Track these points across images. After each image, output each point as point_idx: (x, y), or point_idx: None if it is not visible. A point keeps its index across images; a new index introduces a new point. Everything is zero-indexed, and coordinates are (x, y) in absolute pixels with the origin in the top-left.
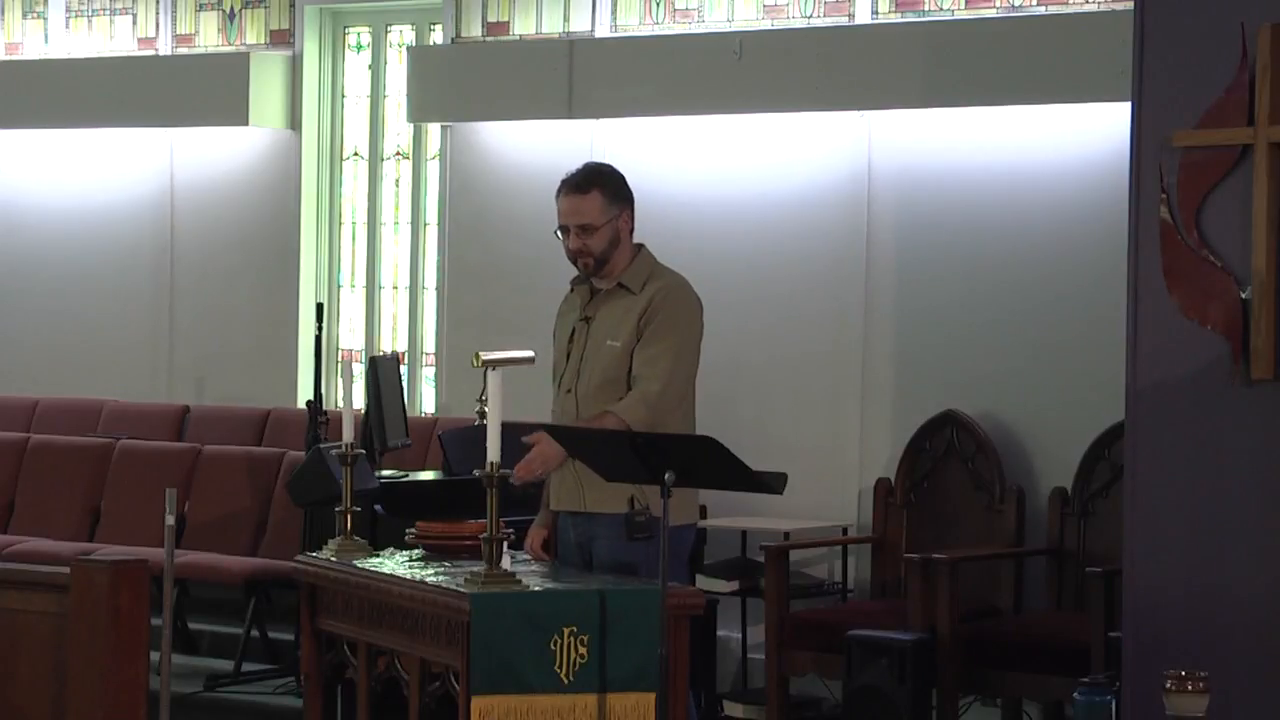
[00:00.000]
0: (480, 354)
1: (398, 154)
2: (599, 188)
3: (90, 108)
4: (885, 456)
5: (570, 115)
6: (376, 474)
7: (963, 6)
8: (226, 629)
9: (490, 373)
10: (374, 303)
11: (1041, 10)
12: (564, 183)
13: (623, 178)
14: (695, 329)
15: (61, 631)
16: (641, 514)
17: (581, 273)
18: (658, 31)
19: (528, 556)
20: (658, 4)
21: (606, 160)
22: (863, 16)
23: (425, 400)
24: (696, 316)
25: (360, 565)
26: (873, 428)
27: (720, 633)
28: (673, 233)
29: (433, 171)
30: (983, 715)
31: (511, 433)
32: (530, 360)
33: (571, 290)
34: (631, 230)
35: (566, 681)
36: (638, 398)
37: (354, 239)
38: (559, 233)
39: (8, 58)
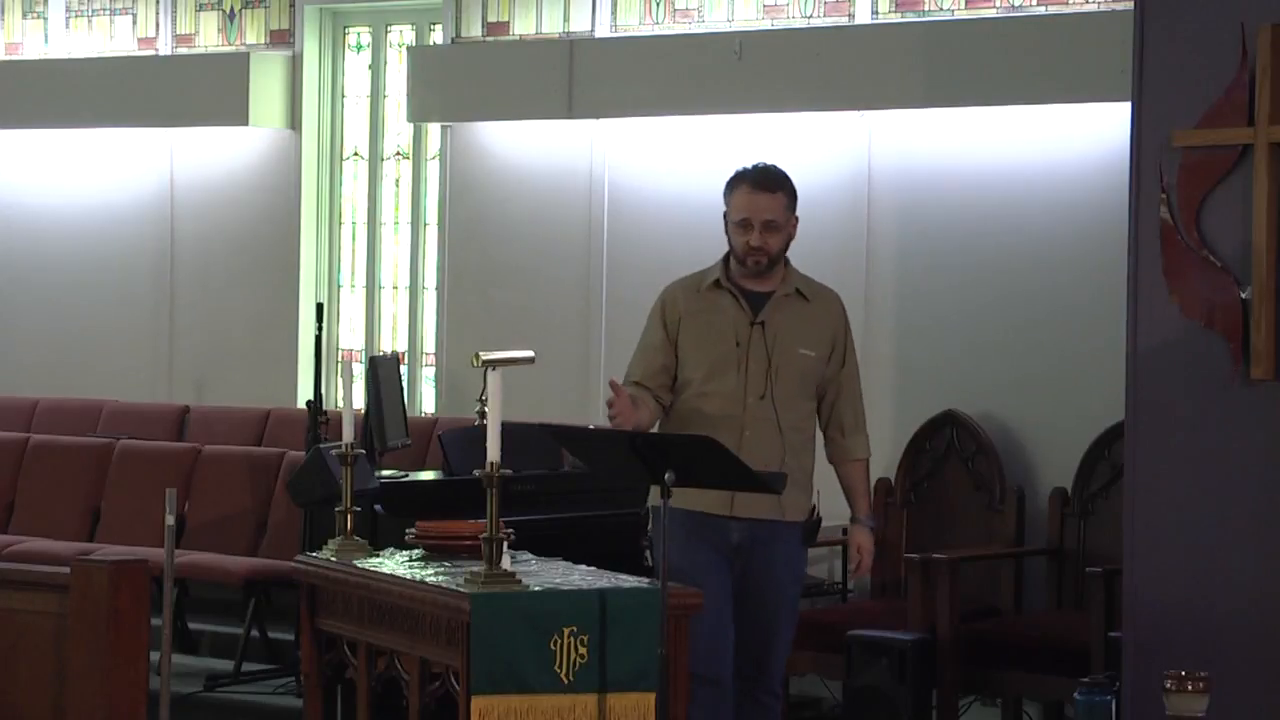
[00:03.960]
0: (480, 354)
1: (398, 154)
2: (785, 190)
3: (90, 108)
4: (885, 456)
5: (570, 115)
6: (376, 474)
7: (963, 6)
8: (226, 629)
9: (490, 373)
10: (374, 303)
11: (1041, 10)
12: (745, 178)
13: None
14: None
15: (61, 631)
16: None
17: (750, 269)
18: (658, 31)
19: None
20: (658, 4)
21: (606, 161)
22: (863, 16)
23: (425, 400)
24: None
25: (360, 565)
26: (873, 428)
27: None
28: (673, 233)
29: (433, 171)
30: (983, 715)
31: (511, 433)
32: (530, 360)
33: (700, 290)
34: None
35: (566, 681)
36: (864, 436)
37: (354, 239)
38: (738, 224)
39: (8, 58)
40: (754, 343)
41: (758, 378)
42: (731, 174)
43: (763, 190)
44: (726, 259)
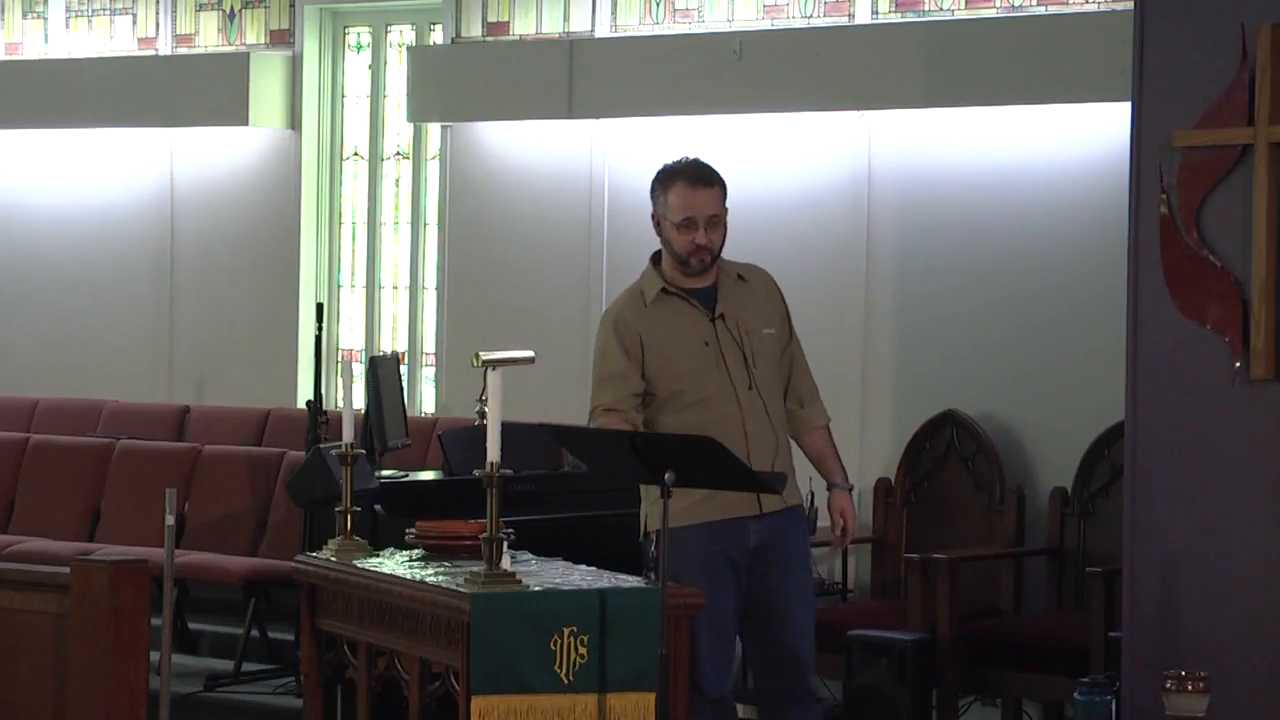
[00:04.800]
0: (480, 354)
1: (398, 154)
2: (719, 183)
3: (90, 108)
4: (885, 456)
5: (570, 115)
6: (376, 474)
7: (963, 6)
8: (226, 629)
9: (490, 373)
10: (374, 303)
11: (1041, 10)
12: (679, 174)
13: None
14: None
15: (61, 631)
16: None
17: (694, 269)
18: (658, 31)
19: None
20: (658, 4)
21: (606, 161)
22: (863, 16)
23: (425, 400)
24: None
25: (360, 565)
26: (873, 428)
27: None
28: None
29: (433, 171)
30: (983, 715)
31: (511, 433)
32: (530, 360)
33: (646, 305)
34: None
35: (566, 681)
36: (820, 404)
37: (354, 239)
38: (681, 224)
39: (8, 58)
40: (723, 337)
41: (739, 370)
42: (658, 173)
43: (702, 185)
44: (656, 265)
